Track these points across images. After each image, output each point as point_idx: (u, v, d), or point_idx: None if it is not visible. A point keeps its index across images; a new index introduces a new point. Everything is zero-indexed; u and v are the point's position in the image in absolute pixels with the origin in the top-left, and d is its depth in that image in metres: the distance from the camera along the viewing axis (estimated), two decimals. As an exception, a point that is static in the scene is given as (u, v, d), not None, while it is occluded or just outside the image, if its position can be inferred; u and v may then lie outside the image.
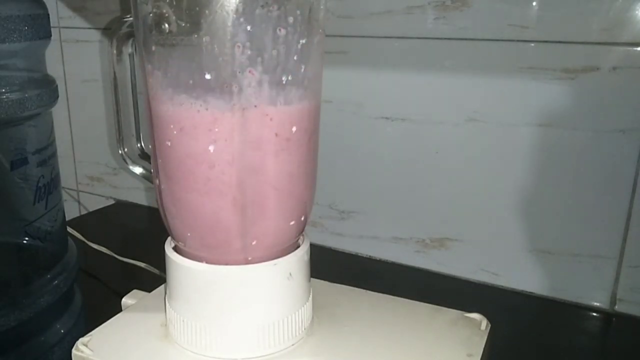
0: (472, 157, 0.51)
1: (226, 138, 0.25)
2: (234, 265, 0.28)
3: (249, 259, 0.28)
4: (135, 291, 0.35)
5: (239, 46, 0.24)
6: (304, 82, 0.26)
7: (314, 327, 0.31)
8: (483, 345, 0.30)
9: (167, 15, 0.25)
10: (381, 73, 0.52)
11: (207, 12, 0.24)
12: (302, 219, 0.29)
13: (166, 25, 0.25)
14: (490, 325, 0.32)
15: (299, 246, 0.30)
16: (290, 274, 0.29)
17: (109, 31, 0.28)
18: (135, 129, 0.31)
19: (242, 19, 0.24)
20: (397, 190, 0.54)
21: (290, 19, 0.25)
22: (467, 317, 0.32)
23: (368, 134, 0.54)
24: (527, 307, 0.50)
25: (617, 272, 0.48)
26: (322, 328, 0.31)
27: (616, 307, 0.49)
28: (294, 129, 0.26)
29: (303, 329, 0.30)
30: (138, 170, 0.32)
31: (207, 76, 0.25)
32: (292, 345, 0.29)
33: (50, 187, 0.39)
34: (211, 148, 0.25)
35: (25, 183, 0.37)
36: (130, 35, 0.29)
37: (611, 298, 0.49)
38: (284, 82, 0.25)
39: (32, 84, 0.37)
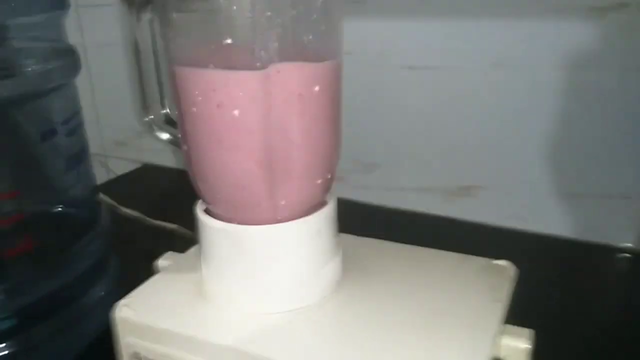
0: (498, 104, 0.50)
1: (250, 101, 0.25)
2: (264, 225, 0.28)
3: (278, 218, 0.28)
4: (169, 253, 0.36)
5: (258, 8, 0.24)
6: (324, 41, 0.26)
7: (344, 280, 0.32)
8: (509, 291, 0.31)
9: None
10: (401, 22, 0.51)
11: (224, -25, 0.24)
12: (329, 177, 0.29)
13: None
14: (517, 271, 0.32)
15: (326, 203, 0.30)
16: (319, 231, 0.29)
17: (127, -1, 0.28)
18: (160, 96, 0.32)
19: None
20: (422, 140, 0.54)
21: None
22: (494, 264, 0.33)
23: (390, 85, 0.54)
24: (557, 251, 0.50)
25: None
26: (351, 280, 0.32)
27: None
28: (316, 88, 0.26)
29: (333, 282, 0.31)
30: (165, 136, 0.32)
31: (228, 40, 0.25)
32: (324, 297, 0.30)
33: (81, 155, 0.39)
34: (236, 112, 0.26)
35: (56, 153, 0.38)
36: (148, 1, 0.30)
37: (640, 239, 0.49)
38: (304, 41, 0.25)
39: (55, 55, 0.38)
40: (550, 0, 0.46)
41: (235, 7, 0.24)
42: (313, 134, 0.27)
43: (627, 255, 0.49)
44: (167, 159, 0.70)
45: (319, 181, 0.29)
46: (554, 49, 0.47)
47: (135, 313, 0.30)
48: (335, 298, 0.31)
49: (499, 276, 0.32)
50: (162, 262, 0.35)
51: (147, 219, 0.53)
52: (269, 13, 0.24)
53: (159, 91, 0.32)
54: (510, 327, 0.29)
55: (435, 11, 0.50)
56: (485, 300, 0.30)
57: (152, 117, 0.32)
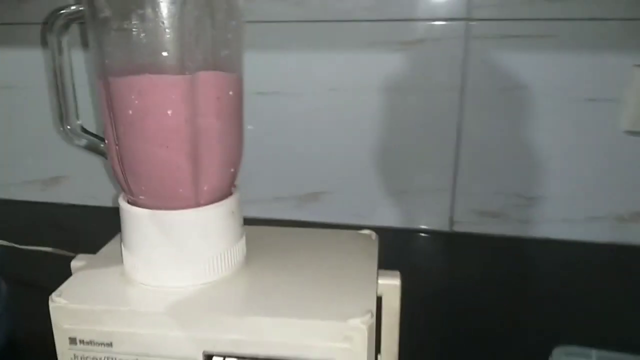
0: (335, 121, 0.61)
1: (180, 102, 0.31)
2: (188, 209, 0.34)
3: (200, 202, 0.34)
4: (81, 255, 0.39)
5: (187, 28, 0.30)
6: (235, 56, 0.33)
7: (249, 257, 0.38)
8: (376, 250, 0.40)
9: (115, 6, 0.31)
10: (252, 53, 0.60)
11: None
12: (239, 167, 0.36)
13: (110, 12, 0.31)
14: (377, 236, 0.42)
15: (234, 191, 0.37)
16: (233, 212, 0.36)
17: (46, 24, 0.32)
18: (75, 109, 0.36)
19: (185, 7, 0.30)
20: (273, 156, 0.63)
21: (223, 5, 0.32)
22: (361, 233, 0.42)
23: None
24: (388, 239, 0.62)
25: (452, 201, 0.62)
26: (256, 257, 0.38)
27: (454, 228, 0.62)
28: (230, 93, 0.33)
29: (243, 258, 0.37)
30: (82, 142, 0.36)
31: (163, 53, 0.31)
32: (236, 270, 0.37)
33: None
34: (169, 112, 0.31)
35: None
36: (67, 25, 0.34)
37: (449, 221, 0.62)
38: (222, 55, 0.32)
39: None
40: (369, 36, 0.58)
41: (168, 27, 0.30)
42: (228, 130, 0.34)
43: (440, 236, 0.62)
44: (18, 194, 0.69)
45: (232, 170, 0.35)
46: (375, 75, 0.59)
47: (69, 301, 0.33)
48: (245, 270, 0.37)
49: (366, 241, 0.41)
50: (76, 263, 0.38)
51: (17, 246, 0.53)
52: (195, 32, 0.31)
53: (75, 105, 0.36)
54: (383, 271, 0.37)
55: (282, 44, 0.59)
56: (361, 258, 0.39)
57: (70, 127, 0.36)
